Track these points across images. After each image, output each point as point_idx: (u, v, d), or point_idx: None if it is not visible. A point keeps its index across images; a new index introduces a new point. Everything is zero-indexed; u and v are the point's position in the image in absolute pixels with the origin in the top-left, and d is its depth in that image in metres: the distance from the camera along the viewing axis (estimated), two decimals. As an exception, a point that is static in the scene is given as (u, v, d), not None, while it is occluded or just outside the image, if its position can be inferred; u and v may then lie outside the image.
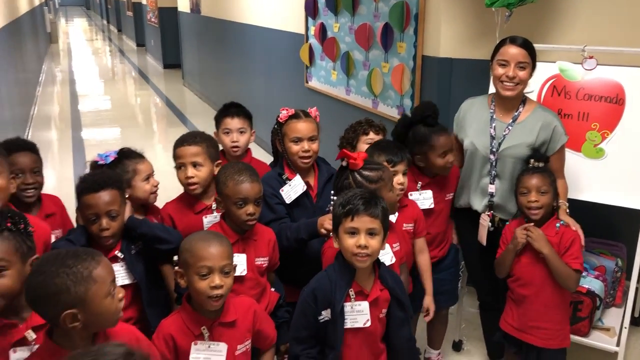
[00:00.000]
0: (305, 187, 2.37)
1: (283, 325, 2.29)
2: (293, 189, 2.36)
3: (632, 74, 2.69)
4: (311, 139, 2.37)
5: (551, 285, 2.38)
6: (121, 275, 2.03)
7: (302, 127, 2.37)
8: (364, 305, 1.89)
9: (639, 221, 2.67)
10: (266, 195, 2.29)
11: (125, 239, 2.09)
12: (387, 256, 2.17)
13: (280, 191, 2.36)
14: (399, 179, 2.39)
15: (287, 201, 2.36)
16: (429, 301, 2.54)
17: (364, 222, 1.82)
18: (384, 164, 2.38)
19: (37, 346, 1.63)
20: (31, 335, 1.63)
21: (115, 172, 2.20)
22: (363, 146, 2.64)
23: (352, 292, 1.87)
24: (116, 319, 1.53)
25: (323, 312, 1.87)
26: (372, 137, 2.70)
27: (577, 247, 2.37)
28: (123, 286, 1.94)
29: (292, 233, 2.27)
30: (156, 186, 2.38)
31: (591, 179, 2.74)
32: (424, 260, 2.56)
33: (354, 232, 1.83)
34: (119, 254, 2.05)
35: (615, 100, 2.71)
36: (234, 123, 2.68)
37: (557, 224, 2.40)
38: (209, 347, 1.79)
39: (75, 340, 1.47)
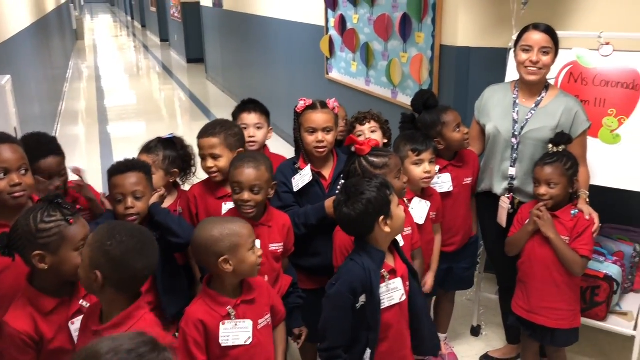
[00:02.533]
0: (311, 178, 2.40)
1: (296, 310, 2.36)
2: (302, 178, 2.41)
3: (648, 59, 2.70)
4: (326, 130, 2.40)
5: (562, 266, 2.43)
6: None
7: (317, 117, 2.40)
8: (398, 281, 1.97)
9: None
10: (277, 184, 2.36)
11: (148, 226, 2.17)
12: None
13: (292, 180, 2.42)
14: (425, 167, 2.46)
15: (295, 189, 2.41)
16: (430, 277, 2.60)
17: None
18: (409, 153, 2.46)
19: None
20: (85, 304, 1.77)
21: (142, 159, 2.32)
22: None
23: (385, 273, 1.94)
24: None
25: (359, 299, 1.92)
26: (359, 128, 2.73)
27: (589, 234, 2.41)
28: None
29: (301, 219, 2.34)
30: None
31: (608, 164, 2.76)
32: (437, 241, 2.65)
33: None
34: None
35: (631, 86, 2.72)
36: (250, 118, 2.71)
37: (573, 211, 2.44)
38: (236, 325, 1.86)
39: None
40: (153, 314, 1.70)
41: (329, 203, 2.29)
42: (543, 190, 2.43)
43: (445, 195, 2.67)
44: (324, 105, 2.46)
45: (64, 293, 1.77)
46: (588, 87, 2.82)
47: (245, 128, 2.69)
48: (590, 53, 2.82)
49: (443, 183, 2.68)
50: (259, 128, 2.71)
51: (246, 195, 2.14)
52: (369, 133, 2.71)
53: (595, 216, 2.45)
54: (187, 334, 1.82)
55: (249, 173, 2.14)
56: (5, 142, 1.94)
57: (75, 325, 1.75)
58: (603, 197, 2.71)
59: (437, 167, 2.63)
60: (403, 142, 2.51)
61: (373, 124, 2.73)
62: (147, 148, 2.50)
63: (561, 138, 2.48)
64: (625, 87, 2.73)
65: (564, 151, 2.46)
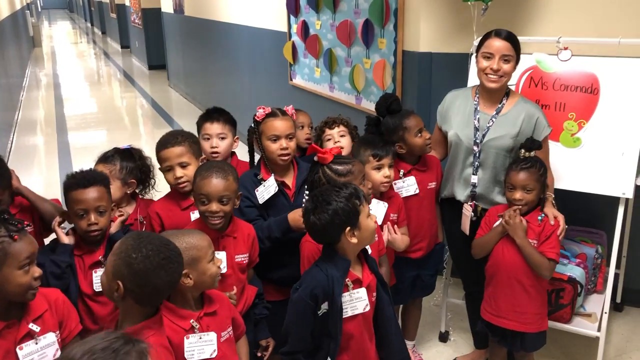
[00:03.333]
0: (277, 189, 2.36)
1: (262, 321, 2.33)
2: (267, 189, 2.36)
3: (605, 64, 2.74)
4: (289, 137, 2.38)
5: (529, 270, 2.43)
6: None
7: (280, 125, 2.37)
8: (362, 292, 1.94)
9: (618, 208, 2.72)
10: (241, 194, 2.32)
11: (109, 247, 2.10)
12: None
13: (256, 191, 2.37)
14: (385, 172, 2.46)
15: (260, 202, 2.36)
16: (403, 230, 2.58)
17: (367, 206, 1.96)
18: (369, 158, 2.44)
19: (42, 338, 1.69)
20: (36, 327, 1.68)
21: (101, 171, 2.26)
22: (328, 144, 2.69)
23: (349, 282, 1.91)
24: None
25: (322, 306, 1.89)
26: (328, 132, 2.74)
27: (555, 237, 2.43)
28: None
29: (264, 232, 2.29)
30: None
31: (569, 167, 2.79)
32: (405, 239, 2.60)
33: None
34: (102, 259, 2.08)
35: (590, 90, 2.76)
36: (213, 128, 2.64)
37: (540, 216, 2.45)
38: (201, 338, 1.82)
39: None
40: (162, 338, 1.66)
41: (292, 216, 2.27)
42: (519, 195, 2.42)
43: (410, 199, 2.66)
44: (284, 113, 2.44)
45: (12, 316, 1.67)
46: (548, 91, 2.85)
47: (208, 138, 2.64)
48: (550, 58, 2.85)
49: (409, 186, 2.67)
50: (222, 138, 2.65)
51: (214, 206, 2.08)
52: (338, 137, 2.72)
53: (561, 218, 2.46)
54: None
55: (217, 184, 2.09)
56: None
57: (24, 350, 1.66)
58: (565, 200, 2.74)
59: (402, 172, 2.63)
60: (363, 147, 2.50)
61: (342, 128, 2.75)
62: (104, 158, 2.44)
63: (532, 144, 2.48)
64: (584, 91, 2.77)
65: (535, 157, 2.46)
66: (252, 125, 2.45)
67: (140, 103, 10.56)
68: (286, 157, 2.38)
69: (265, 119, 2.40)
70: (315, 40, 4.80)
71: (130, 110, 10.23)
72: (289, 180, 2.44)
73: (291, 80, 5.50)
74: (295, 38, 5.25)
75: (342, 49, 4.46)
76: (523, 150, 2.48)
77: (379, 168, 2.47)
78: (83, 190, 2.04)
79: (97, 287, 2.03)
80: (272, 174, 2.39)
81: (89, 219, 2.04)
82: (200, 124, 2.70)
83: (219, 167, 2.15)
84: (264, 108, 2.42)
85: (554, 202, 2.53)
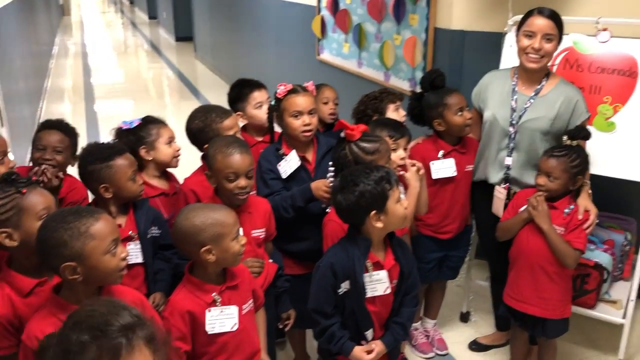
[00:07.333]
0: (299, 163, 2.37)
1: (283, 294, 2.34)
2: (288, 164, 2.37)
3: (646, 46, 2.66)
4: (311, 113, 2.37)
5: (554, 258, 2.40)
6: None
7: (301, 101, 2.36)
8: (383, 274, 1.94)
9: (650, 195, 2.67)
10: (262, 171, 2.35)
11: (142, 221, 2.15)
12: None
13: (278, 166, 2.38)
14: (401, 154, 2.41)
15: (283, 176, 2.37)
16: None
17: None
18: (386, 139, 2.39)
19: None
20: None
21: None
22: (393, 115, 2.69)
23: (369, 263, 1.91)
24: (117, 276, 1.61)
25: (342, 285, 1.90)
26: (399, 104, 2.76)
27: (583, 229, 2.39)
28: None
29: (287, 201, 2.30)
30: (178, 151, 2.49)
31: (602, 152, 2.72)
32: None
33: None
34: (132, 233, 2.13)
35: (628, 74, 2.68)
36: (262, 95, 2.78)
37: (566, 210, 2.41)
38: (222, 311, 1.84)
39: (79, 295, 1.55)
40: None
41: (315, 184, 2.27)
42: (542, 180, 2.40)
43: (447, 180, 2.63)
44: (304, 89, 2.43)
45: (45, 273, 1.71)
46: (584, 73, 2.78)
47: (261, 106, 2.74)
48: (587, 39, 2.77)
49: (447, 168, 2.63)
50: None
51: (243, 181, 2.07)
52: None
53: (593, 213, 2.41)
54: (172, 325, 1.78)
55: (244, 159, 2.08)
56: None
57: None
58: (595, 185, 2.68)
59: (441, 152, 2.62)
60: (379, 128, 2.40)
61: (398, 103, 2.78)
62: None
63: (578, 132, 2.42)
64: (622, 74, 2.69)
65: (576, 147, 2.40)
66: (273, 102, 2.46)
67: (167, 74, 10.59)
68: (309, 133, 2.38)
69: (286, 95, 2.40)
70: (345, 15, 4.74)
71: (156, 82, 10.27)
72: (309, 155, 2.44)
73: (318, 55, 5.46)
74: (325, 12, 5.19)
75: (372, 25, 4.40)
76: (566, 137, 2.43)
77: (394, 149, 2.40)
78: (124, 154, 2.14)
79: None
80: (294, 150, 2.40)
81: (137, 180, 2.14)
82: (247, 94, 2.78)
83: (238, 141, 2.14)
84: (284, 85, 2.43)
85: (590, 192, 2.46)
